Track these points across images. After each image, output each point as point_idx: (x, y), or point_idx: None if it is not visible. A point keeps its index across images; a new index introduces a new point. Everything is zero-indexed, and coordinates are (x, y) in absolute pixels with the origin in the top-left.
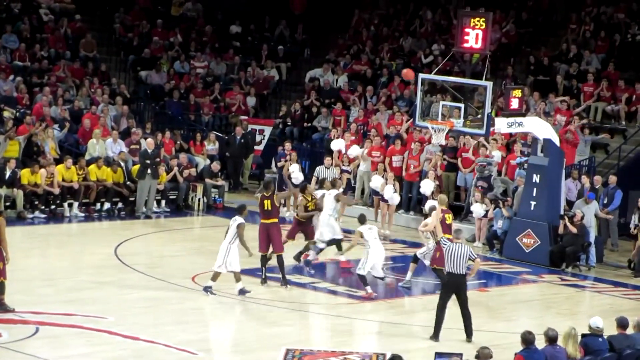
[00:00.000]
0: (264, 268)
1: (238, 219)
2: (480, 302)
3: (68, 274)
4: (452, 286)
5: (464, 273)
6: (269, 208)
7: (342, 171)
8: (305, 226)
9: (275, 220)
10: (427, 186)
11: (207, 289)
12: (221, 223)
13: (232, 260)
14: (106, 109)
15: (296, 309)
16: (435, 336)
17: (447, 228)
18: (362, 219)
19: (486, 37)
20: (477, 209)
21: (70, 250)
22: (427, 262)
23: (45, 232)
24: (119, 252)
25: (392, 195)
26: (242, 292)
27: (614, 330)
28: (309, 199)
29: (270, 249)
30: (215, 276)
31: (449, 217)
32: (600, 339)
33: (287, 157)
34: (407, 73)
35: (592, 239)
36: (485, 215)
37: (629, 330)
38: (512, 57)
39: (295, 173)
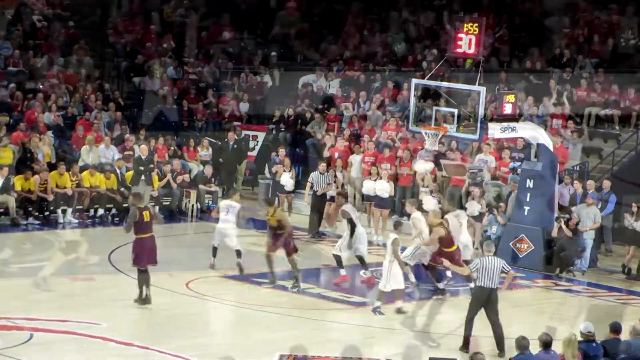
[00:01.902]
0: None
1: (392, 235)
2: None
3: (62, 280)
4: (482, 300)
5: (495, 287)
6: (148, 220)
7: (336, 177)
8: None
9: (151, 233)
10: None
11: (376, 310)
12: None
13: (394, 277)
14: (99, 115)
15: (290, 314)
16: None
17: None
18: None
19: (479, 42)
20: (472, 207)
21: (64, 257)
22: (411, 263)
23: (39, 238)
24: (113, 258)
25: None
26: (400, 311)
27: (606, 335)
28: (272, 213)
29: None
30: (381, 296)
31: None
32: (594, 344)
33: (281, 163)
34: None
35: (588, 243)
36: (479, 220)
37: (625, 336)
38: (505, 62)
39: (286, 180)
